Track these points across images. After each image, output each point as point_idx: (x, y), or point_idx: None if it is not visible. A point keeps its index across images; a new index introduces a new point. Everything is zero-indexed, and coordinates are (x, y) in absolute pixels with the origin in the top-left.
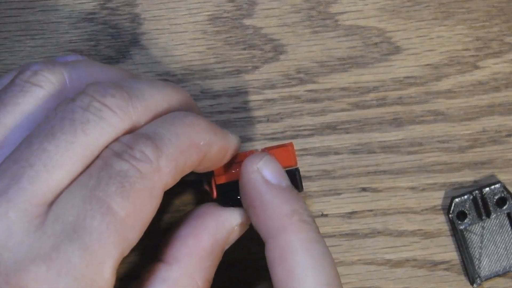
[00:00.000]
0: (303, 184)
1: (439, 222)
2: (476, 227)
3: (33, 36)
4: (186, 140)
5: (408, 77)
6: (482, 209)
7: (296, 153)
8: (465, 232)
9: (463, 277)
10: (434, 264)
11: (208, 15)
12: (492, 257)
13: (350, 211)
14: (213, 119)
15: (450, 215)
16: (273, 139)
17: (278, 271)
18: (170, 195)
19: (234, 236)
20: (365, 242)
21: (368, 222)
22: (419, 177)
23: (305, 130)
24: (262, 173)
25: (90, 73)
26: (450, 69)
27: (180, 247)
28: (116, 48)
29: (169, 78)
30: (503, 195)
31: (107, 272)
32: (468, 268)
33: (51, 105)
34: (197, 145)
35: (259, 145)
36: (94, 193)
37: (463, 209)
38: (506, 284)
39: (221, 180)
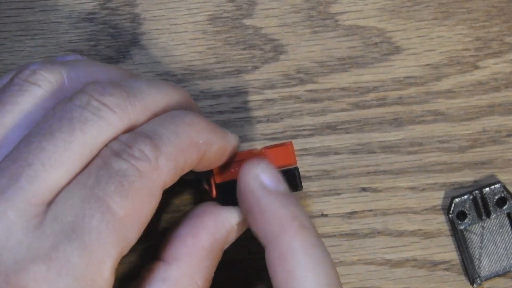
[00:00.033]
0: (303, 184)
1: (439, 222)
2: (476, 227)
3: (33, 36)
4: (185, 139)
5: (408, 77)
6: (482, 209)
7: (296, 153)
8: (465, 232)
9: (463, 277)
10: (434, 264)
11: (208, 15)
12: (492, 257)
13: (350, 211)
14: (213, 119)
15: (450, 215)
16: (273, 139)
17: (278, 273)
18: (169, 194)
19: (234, 235)
20: (365, 242)
21: (368, 222)
22: (419, 177)
23: (305, 130)
24: (260, 179)
25: (89, 72)
26: (450, 69)
27: (179, 246)
28: (116, 48)
29: (169, 78)
30: (503, 195)
31: (107, 271)
32: (468, 268)
33: (50, 104)
34: (196, 144)
35: (259, 145)
36: (93, 192)
37: (463, 209)
38: (506, 284)
39: (220, 179)
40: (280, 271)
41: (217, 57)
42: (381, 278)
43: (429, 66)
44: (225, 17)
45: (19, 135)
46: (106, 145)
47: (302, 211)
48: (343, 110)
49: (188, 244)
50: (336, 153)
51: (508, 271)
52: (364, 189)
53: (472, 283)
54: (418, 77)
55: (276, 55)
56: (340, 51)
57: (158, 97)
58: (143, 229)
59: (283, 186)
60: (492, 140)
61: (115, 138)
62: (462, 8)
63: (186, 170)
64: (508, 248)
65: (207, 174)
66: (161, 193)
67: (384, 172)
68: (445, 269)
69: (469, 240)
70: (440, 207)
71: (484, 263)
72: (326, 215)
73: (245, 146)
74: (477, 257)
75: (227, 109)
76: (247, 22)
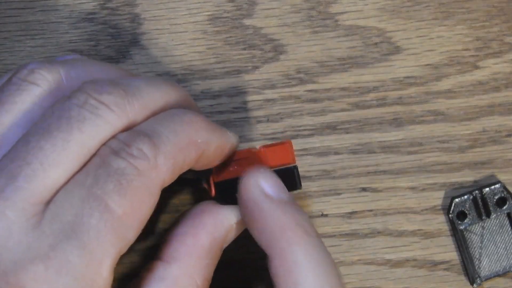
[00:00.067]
0: (303, 184)
1: (439, 222)
2: (476, 227)
3: (33, 36)
4: (184, 137)
5: (408, 77)
6: (482, 209)
7: (296, 153)
8: (465, 232)
9: (463, 277)
10: (434, 264)
11: (208, 15)
12: (492, 257)
13: (350, 211)
14: (213, 119)
15: (450, 215)
16: (273, 139)
17: (281, 283)
18: (169, 194)
19: (233, 234)
20: (365, 242)
21: (368, 222)
22: (419, 177)
23: (305, 130)
24: (262, 187)
25: (87, 71)
26: (450, 69)
27: (178, 246)
28: (116, 48)
29: (169, 78)
30: (503, 195)
31: (106, 270)
32: (468, 268)
33: (48, 103)
34: (195, 142)
35: (259, 145)
36: (92, 191)
37: (463, 209)
38: (506, 284)
39: (219, 178)
40: (283, 281)
41: (217, 57)
42: (381, 278)
43: (429, 66)
44: (225, 17)
45: (18, 134)
46: (104, 144)
47: (305, 218)
48: (343, 110)
49: (187, 243)
50: (336, 153)
51: (508, 271)
52: (364, 189)
53: (472, 283)
54: (418, 77)
55: (276, 55)
56: (340, 51)
57: (157, 95)
58: (142, 227)
59: (284, 193)
60: (492, 140)
61: (113, 137)
62: (462, 8)
63: (185, 168)
64: (508, 248)
65: (207, 173)
66: (159, 192)
67: (384, 172)
68: (445, 269)
69: (469, 240)
70: (440, 207)
71: (484, 263)
72: (326, 215)
73: (245, 146)
74: (477, 257)
75: (227, 109)
76: (247, 22)
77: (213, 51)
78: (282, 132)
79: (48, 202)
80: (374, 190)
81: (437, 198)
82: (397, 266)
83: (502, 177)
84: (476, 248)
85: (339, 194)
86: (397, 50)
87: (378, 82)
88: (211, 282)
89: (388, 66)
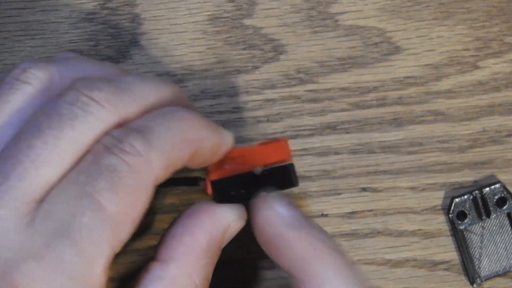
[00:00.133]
0: (303, 184)
1: (439, 222)
2: (476, 227)
3: (33, 36)
4: (178, 133)
5: (408, 77)
6: (482, 209)
7: (296, 153)
8: (465, 232)
9: (463, 277)
10: (434, 264)
11: (208, 15)
12: (492, 257)
13: (350, 211)
14: (213, 119)
15: (450, 215)
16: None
17: None
18: (168, 194)
19: (231, 232)
20: (365, 242)
21: (368, 222)
22: (419, 177)
23: (305, 130)
24: (278, 211)
25: (80, 69)
26: (450, 69)
27: (176, 245)
28: (116, 48)
29: (169, 78)
30: (503, 195)
31: (99, 269)
32: (468, 268)
33: (41, 102)
34: (189, 139)
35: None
36: (84, 189)
37: (463, 209)
38: (506, 284)
39: (215, 176)
40: None
41: (217, 57)
42: (381, 278)
43: (429, 66)
44: (225, 17)
45: (11, 133)
46: (98, 141)
47: (326, 234)
48: (343, 110)
49: (184, 243)
50: (336, 153)
51: (508, 271)
52: (364, 189)
53: (472, 283)
54: (418, 77)
55: (276, 55)
56: (340, 51)
57: (149, 92)
58: (135, 225)
59: (301, 213)
60: (492, 140)
61: (107, 133)
62: (462, 8)
63: (179, 165)
64: (508, 248)
65: (203, 172)
66: (153, 188)
67: (384, 172)
68: (445, 269)
69: (469, 240)
70: (440, 207)
71: (484, 263)
72: (326, 215)
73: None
74: (477, 257)
75: (227, 109)
76: (247, 22)
77: (213, 51)
78: (282, 132)
79: (41, 201)
80: (374, 190)
81: (437, 198)
82: (397, 266)
83: (502, 177)
84: (476, 248)
85: (339, 194)
86: (397, 50)
87: (378, 82)
88: (210, 281)
89: (388, 66)
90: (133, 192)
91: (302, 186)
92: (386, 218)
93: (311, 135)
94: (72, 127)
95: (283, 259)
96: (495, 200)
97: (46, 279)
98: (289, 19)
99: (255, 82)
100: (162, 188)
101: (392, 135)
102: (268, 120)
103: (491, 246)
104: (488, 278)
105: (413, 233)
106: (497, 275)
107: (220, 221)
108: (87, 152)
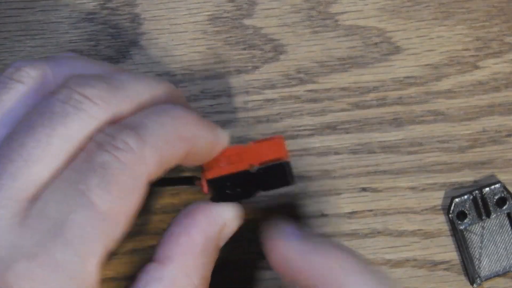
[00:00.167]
0: (303, 184)
1: (439, 222)
2: (476, 227)
3: (33, 36)
4: (171, 130)
5: (408, 77)
6: (482, 209)
7: (296, 153)
8: (465, 232)
9: (463, 277)
10: (434, 264)
11: (208, 15)
12: (492, 257)
13: (350, 211)
14: (213, 119)
15: (450, 215)
16: None
17: None
18: (167, 194)
19: (227, 231)
20: (365, 242)
21: (368, 222)
22: (419, 177)
23: (305, 130)
24: (293, 241)
25: (74, 67)
26: (450, 69)
27: (173, 246)
28: (116, 48)
29: (169, 78)
30: (503, 195)
31: (92, 267)
32: (468, 268)
33: (34, 100)
34: (183, 137)
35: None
36: (77, 187)
37: (463, 209)
38: (506, 284)
39: (211, 175)
40: None
41: (217, 57)
42: None
43: (429, 66)
44: (225, 17)
45: (4, 133)
46: (92, 138)
47: (340, 244)
48: (343, 110)
49: (181, 243)
50: (336, 153)
51: (508, 271)
52: (364, 189)
53: (472, 283)
54: (418, 77)
55: (276, 55)
56: (340, 51)
57: (143, 89)
58: (129, 223)
59: (311, 232)
60: (492, 140)
61: (100, 131)
62: (462, 8)
63: (173, 163)
64: (508, 248)
65: (199, 171)
66: (146, 185)
67: (384, 172)
68: (445, 269)
69: (469, 240)
70: (440, 207)
71: (484, 263)
72: (326, 215)
73: None
74: (477, 257)
75: (227, 109)
76: (247, 22)
77: (213, 51)
78: (282, 132)
79: (34, 199)
80: (374, 190)
81: (437, 198)
82: (397, 266)
83: (502, 177)
84: (476, 248)
85: (339, 194)
86: (397, 50)
87: (378, 82)
88: (209, 281)
89: (388, 66)
90: (126, 189)
91: (302, 186)
92: (386, 218)
93: (311, 135)
94: (65, 125)
95: (308, 281)
96: (495, 200)
97: (39, 277)
98: (289, 19)
99: (255, 82)
100: (158, 188)
101: (392, 135)
102: (268, 120)
103: (491, 246)
104: (488, 278)
105: (413, 233)
106: (497, 275)
107: (216, 220)
108: (81, 149)
